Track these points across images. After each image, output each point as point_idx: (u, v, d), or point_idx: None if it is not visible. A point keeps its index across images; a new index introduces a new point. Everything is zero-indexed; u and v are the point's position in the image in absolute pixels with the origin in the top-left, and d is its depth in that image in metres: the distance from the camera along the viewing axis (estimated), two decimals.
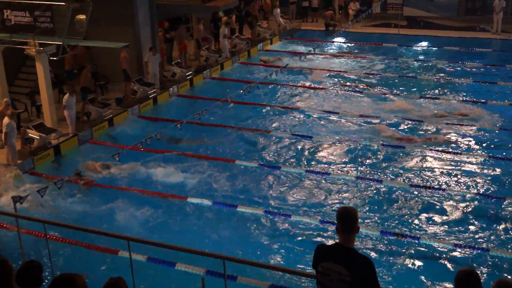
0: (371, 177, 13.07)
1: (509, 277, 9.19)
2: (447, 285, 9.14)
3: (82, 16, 15.24)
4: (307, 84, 20.61)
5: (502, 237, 10.62)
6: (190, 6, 22.79)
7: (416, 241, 10.48)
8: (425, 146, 14.62)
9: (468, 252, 10.10)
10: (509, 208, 11.61)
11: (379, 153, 14.37)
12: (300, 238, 10.80)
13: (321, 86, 20.18)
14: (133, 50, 18.69)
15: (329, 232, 10.67)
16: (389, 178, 13.04)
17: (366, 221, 11.18)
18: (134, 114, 17.49)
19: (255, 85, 17.80)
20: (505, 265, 9.74)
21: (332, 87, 20.06)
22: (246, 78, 20.65)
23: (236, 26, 25.83)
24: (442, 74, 21.40)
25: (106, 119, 16.55)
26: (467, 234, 10.76)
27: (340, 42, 27.08)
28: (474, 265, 9.45)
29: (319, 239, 10.48)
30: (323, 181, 13.01)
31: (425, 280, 9.41)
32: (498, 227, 10.94)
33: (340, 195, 12.40)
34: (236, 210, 11.81)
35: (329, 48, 26.09)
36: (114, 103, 17.69)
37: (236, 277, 8.81)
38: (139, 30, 19.21)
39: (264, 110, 17.87)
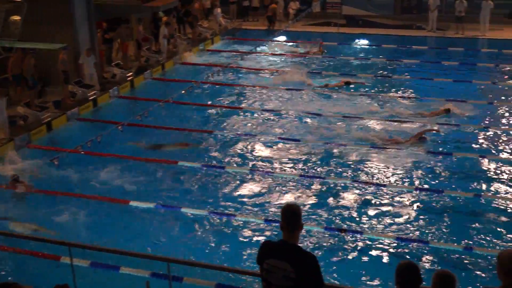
0: (314, 175, 13.19)
1: (449, 268, 9.44)
2: (388, 277, 9.29)
3: (17, 17, 14.82)
4: (250, 83, 20.65)
5: (442, 229, 10.90)
6: (129, 6, 22.49)
7: (359, 236, 10.64)
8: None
9: (409, 245, 10.32)
10: (448, 200, 11.93)
11: (321, 150, 14.51)
12: (245, 237, 10.81)
13: (264, 85, 20.26)
14: (71, 51, 18.28)
15: (274, 230, 10.70)
16: (332, 175, 13.20)
17: (310, 217, 11.27)
18: (74, 117, 17.11)
19: (197, 85, 17.73)
20: (445, 257, 9.98)
21: (276, 86, 20.17)
22: (188, 78, 20.52)
23: (176, 26, 25.63)
24: (381, 71, 21.82)
25: (44, 123, 16.11)
26: (408, 227, 10.99)
27: (281, 41, 27.25)
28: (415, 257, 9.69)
29: (264, 237, 10.51)
30: (268, 179, 13.06)
31: (368, 274, 9.56)
32: (437, 220, 11.22)
33: (284, 193, 12.47)
34: (181, 211, 11.71)
35: (270, 47, 26.20)
36: (52, 106, 17.24)
37: (182, 278, 8.73)
38: (77, 31, 18.81)
39: (206, 110, 17.80)
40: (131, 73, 20.61)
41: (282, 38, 27.51)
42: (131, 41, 22.66)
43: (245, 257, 10.03)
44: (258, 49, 24.70)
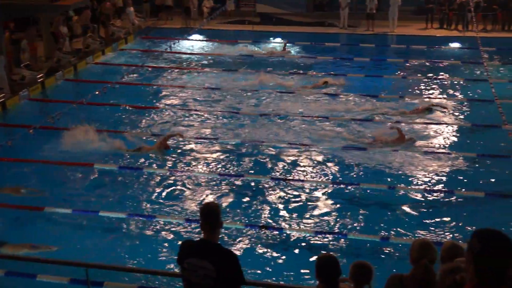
0: (234, 173, 13.20)
1: (366, 259, 9.70)
2: (309, 271, 9.46)
3: None
4: (167, 83, 20.45)
5: (359, 221, 11.18)
6: (38, 6, 21.70)
7: (279, 232, 10.76)
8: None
9: (328, 238, 10.53)
10: (363, 193, 12.26)
11: (241, 149, 14.55)
12: (165, 237, 10.69)
13: (181, 85, 20.13)
14: None
15: (194, 229, 10.64)
16: (252, 172, 13.26)
17: (230, 215, 11.29)
18: None
19: (111, 85, 17.35)
20: (363, 248, 10.25)
21: (194, 85, 20.07)
22: (102, 79, 20.05)
23: (90, 25, 25.03)
24: (296, 69, 22.15)
25: None
26: (326, 220, 11.21)
27: (196, 40, 27.15)
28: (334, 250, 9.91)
29: (184, 237, 10.43)
30: (187, 179, 12.96)
31: (289, 268, 9.68)
32: (355, 212, 11.50)
33: (203, 192, 12.42)
34: (98, 215, 11.42)
35: (185, 45, 26.06)
36: None
37: (102, 282, 8.54)
38: None
39: (121, 111, 17.45)
40: (41, 75, 19.90)
41: (197, 36, 27.42)
42: (40, 41, 21.89)
43: (166, 258, 9.92)
44: (173, 47, 24.48)
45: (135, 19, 28.12)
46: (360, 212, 11.53)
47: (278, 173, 13.24)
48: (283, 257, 10.09)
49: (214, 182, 12.82)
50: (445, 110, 17.20)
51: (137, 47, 25.77)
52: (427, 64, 22.64)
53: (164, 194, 12.37)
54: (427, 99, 18.21)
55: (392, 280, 5.33)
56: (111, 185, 12.80)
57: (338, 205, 11.80)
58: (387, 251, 10.01)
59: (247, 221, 11.11)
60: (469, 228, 10.47)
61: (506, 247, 3.70)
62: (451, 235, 10.44)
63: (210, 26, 28.17)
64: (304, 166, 13.56)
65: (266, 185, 12.62)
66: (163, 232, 10.85)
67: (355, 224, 11.06)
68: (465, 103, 17.98)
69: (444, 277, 4.30)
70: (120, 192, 12.49)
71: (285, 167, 13.54)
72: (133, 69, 20.29)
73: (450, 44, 26.16)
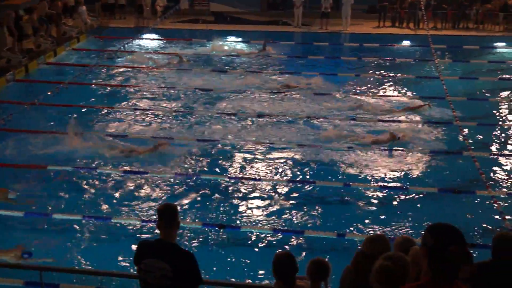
0: (189, 173, 13.13)
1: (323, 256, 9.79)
2: (267, 269, 9.48)
3: None
4: (121, 82, 20.21)
5: (315, 218, 11.27)
6: None
7: (237, 230, 10.75)
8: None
9: (286, 236, 10.58)
10: (319, 191, 12.35)
11: (197, 148, 14.47)
12: (122, 239, 10.55)
13: (135, 84, 19.93)
14: None
15: (151, 230, 10.55)
16: (208, 171, 13.20)
17: (188, 215, 11.23)
18: None
19: (64, 86, 17.06)
20: (319, 245, 10.33)
21: (148, 84, 19.89)
22: (54, 79, 19.68)
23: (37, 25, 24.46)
24: (251, 68, 22.18)
25: None
26: (283, 218, 11.26)
27: (150, 39, 26.92)
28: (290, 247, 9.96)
29: (141, 238, 10.31)
30: (142, 180, 12.83)
31: (247, 267, 9.69)
32: (311, 210, 11.59)
33: (160, 192, 12.32)
34: (52, 217, 11.20)
35: (139, 45, 25.81)
36: None
37: (58, 285, 8.41)
38: None
39: (75, 111, 17.14)
40: None
41: (151, 36, 27.19)
42: None
43: (122, 259, 9.80)
44: (127, 47, 24.22)
45: (87, 18, 27.67)
46: (317, 209, 11.62)
47: (235, 172, 13.22)
48: (241, 255, 10.08)
49: (170, 182, 12.72)
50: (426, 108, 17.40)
51: (90, 47, 25.38)
52: (380, 62, 22.98)
53: (119, 194, 12.22)
54: (416, 99, 18.35)
55: (346, 272, 5.45)
56: (66, 186, 12.56)
57: (294, 203, 11.86)
58: (343, 248, 10.12)
59: (204, 221, 11.06)
60: (423, 223, 10.67)
61: (458, 241, 3.79)
62: (405, 231, 10.62)
63: (163, 26, 27.96)
64: (261, 165, 13.58)
65: (224, 184, 12.59)
66: (118, 233, 10.71)
67: (312, 222, 11.14)
68: (418, 100, 18.29)
69: (376, 262, 4.39)
70: (74, 193, 12.27)
71: (242, 166, 13.53)
72: (85, 68, 19.97)
73: (402, 42, 26.63)
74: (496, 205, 11.11)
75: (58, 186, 12.60)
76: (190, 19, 30.28)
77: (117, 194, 12.22)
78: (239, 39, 26.83)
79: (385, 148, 14.38)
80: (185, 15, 30.66)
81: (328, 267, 5.74)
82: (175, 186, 12.56)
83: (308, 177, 12.98)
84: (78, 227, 10.92)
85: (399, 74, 21.23)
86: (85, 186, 12.55)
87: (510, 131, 15.52)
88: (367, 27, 28.82)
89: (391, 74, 21.27)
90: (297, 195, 12.20)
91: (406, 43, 26.58)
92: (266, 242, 10.43)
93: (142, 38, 26.26)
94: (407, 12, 28.78)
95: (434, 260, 3.80)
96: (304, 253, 9.89)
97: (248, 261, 9.87)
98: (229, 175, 13.00)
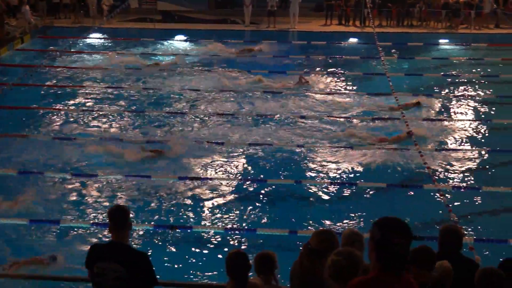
0: (139, 174, 12.98)
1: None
2: (220, 268, 9.49)
3: None
4: (67, 83, 19.85)
5: (267, 216, 11.34)
6: None
7: (189, 231, 10.71)
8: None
9: (238, 234, 10.60)
10: (270, 188, 12.41)
11: (143, 150, 14.31)
12: (72, 242, 10.36)
13: (81, 84, 19.60)
14: None
15: (103, 232, 10.40)
16: (157, 173, 13.09)
17: (140, 217, 11.12)
18: None
19: (8, 87, 16.64)
20: (272, 242, 10.37)
21: (94, 84, 19.60)
22: None
23: None
24: (197, 68, 22.09)
25: None
26: (236, 217, 11.29)
27: (97, 38, 26.51)
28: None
29: (93, 240, 10.16)
30: (92, 183, 12.63)
31: (201, 267, 9.67)
32: (262, 208, 11.66)
33: (111, 195, 12.15)
34: None
35: (85, 44, 25.40)
36: None
37: None
38: None
39: (21, 113, 16.74)
40: None
41: (98, 35, 26.78)
42: None
43: (74, 263, 9.62)
44: (72, 47, 23.80)
45: (31, 18, 27.02)
46: (269, 207, 11.69)
47: (185, 172, 13.13)
48: (195, 255, 10.06)
49: (120, 184, 12.57)
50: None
51: (34, 47, 24.82)
52: (328, 59, 23.21)
53: (68, 198, 12.00)
54: (414, 95, 18.41)
55: (295, 265, 5.53)
56: (9, 190, 12.22)
57: (246, 202, 11.89)
58: (295, 244, 10.18)
59: (156, 222, 10.97)
60: (372, 218, 10.85)
61: (405, 234, 3.88)
62: (356, 225, 10.78)
63: (110, 25, 27.58)
64: (211, 164, 13.56)
65: (174, 185, 12.51)
66: (68, 237, 10.52)
67: (264, 219, 11.20)
68: (365, 96, 18.57)
69: (329, 257, 4.48)
70: (20, 197, 11.95)
71: (192, 166, 13.47)
72: (30, 69, 19.52)
73: (349, 39, 26.98)
74: (442, 198, 11.39)
75: (2, 190, 12.26)
76: (137, 18, 29.93)
77: (66, 197, 12.00)
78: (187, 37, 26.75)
79: (335, 145, 14.56)
80: (132, 14, 30.28)
81: (273, 259, 5.82)
82: (126, 188, 12.41)
83: (259, 175, 13.02)
84: (25, 230, 10.66)
85: (347, 71, 21.51)
86: (32, 189, 12.16)
87: (454, 126, 15.92)
88: (314, 25, 29.11)
89: (338, 72, 21.51)
90: (248, 193, 12.23)
91: (352, 40, 26.95)
92: (218, 241, 10.42)
93: (88, 38, 25.83)
94: (353, 10, 29.19)
95: (381, 253, 3.87)
96: (257, 251, 9.90)
97: (202, 261, 9.85)
98: (180, 176, 12.90)
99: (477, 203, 11.84)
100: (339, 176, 13.02)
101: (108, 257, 5.07)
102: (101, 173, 12.94)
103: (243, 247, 9.96)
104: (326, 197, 12.16)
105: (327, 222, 10.97)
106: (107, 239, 5.83)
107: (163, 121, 16.24)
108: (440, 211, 11.21)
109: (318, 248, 5.15)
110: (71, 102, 17.97)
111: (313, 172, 13.23)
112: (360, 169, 13.33)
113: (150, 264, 5.16)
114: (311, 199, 12.06)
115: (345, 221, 11.05)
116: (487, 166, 13.47)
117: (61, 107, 17.39)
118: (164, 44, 25.60)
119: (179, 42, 26.24)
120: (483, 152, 14.06)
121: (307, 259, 5.18)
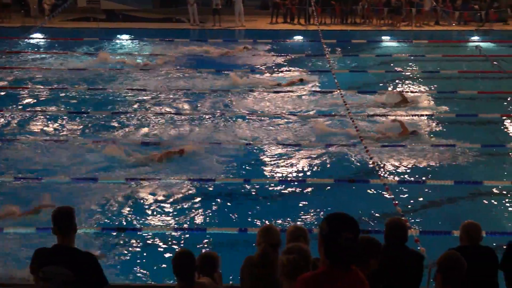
0: (87, 177, 12.75)
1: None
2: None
3: None
4: (8, 84, 19.37)
5: (216, 215, 11.32)
6: None
7: (138, 232, 10.59)
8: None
9: (188, 234, 10.56)
10: (219, 187, 12.40)
11: (89, 149, 14.10)
12: (16, 248, 10.08)
13: (24, 86, 19.15)
14: None
15: (47, 237, 10.16)
16: (102, 175, 12.85)
17: (86, 220, 10.92)
18: None
19: None
20: (222, 241, 10.37)
21: (37, 85, 19.16)
22: None
23: None
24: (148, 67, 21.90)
25: None
26: (186, 217, 11.22)
27: (39, 38, 25.92)
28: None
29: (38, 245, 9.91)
30: (34, 184, 12.34)
31: (150, 268, 9.59)
32: (211, 207, 11.63)
33: (54, 197, 11.87)
34: None
35: (28, 45, 24.81)
36: None
37: None
38: None
39: None
40: None
41: (39, 35, 26.18)
42: None
43: (18, 268, 9.39)
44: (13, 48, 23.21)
45: None
46: (218, 206, 11.67)
47: (133, 173, 12.98)
48: (144, 257, 9.95)
49: (64, 186, 12.30)
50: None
51: None
52: (274, 57, 23.34)
53: (9, 202, 11.67)
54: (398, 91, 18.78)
55: (246, 261, 5.57)
56: None
57: (195, 201, 11.85)
58: (245, 242, 10.21)
59: (103, 225, 10.80)
60: (321, 213, 11.01)
61: (352, 227, 3.95)
62: (305, 221, 10.89)
63: (52, 24, 27.00)
64: (159, 164, 13.43)
65: (120, 186, 12.35)
66: (11, 242, 10.23)
67: (213, 218, 11.18)
68: (311, 94, 18.76)
69: (281, 257, 4.56)
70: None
71: (139, 166, 13.31)
72: None
73: (294, 37, 27.20)
74: (388, 192, 11.63)
75: None
76: (80, 17, 29.38)
77: (7, 201, 11.64)
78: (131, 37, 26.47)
79: (281, 143, 14.66)
80: (75, 13, 29.70)
81: (215, 260, 5.86)
82: (70, 190, 12.16)
83: (207, 174, 12.98)
84: None
85: (293, 69, 21.68)
86: None
87: (395, 122, 16.18)
88: (261, 23, 29.23)
89: (285, 69, 21.65)
90: (197, 193, 12.18)
91: (298, 38, 27.18)
92: (167, 242, 10.34)
93: (30, 38, 25.23)
94: (298, 8, 29.44)
95: (329, 247, 3.93)
96: (206, 249, 9.90)
97: (151, 262, 9.75)
98: (127, 177, 12.74)
99: (421, 196, 12.13)
100: (287, 174, 13.11)
101: (54, 260, 4.98)
102: (45, 174, 12.66)
103: (193, 246, 9.90)
104: (275, 194, 12.22)
105: (277, 220, 11.02)
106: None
107: (105, 121, 16.01)
108: (386, 205, 11.43)
109: (259, 241, 5.30)
110: (13, 103, 17.51)
111: (261, 170, 13.28)
112: (308, 166, 13.45)
113: (98, 265, 5.10)
114: (260, 197, 12.10)
115: (294, 218, 11.12)
116: (430, 160, 13.80)
117: (3, 108, 16.95)
118: (109, 44, 25.22)
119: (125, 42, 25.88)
120: (425, 146, 14.40)
121: (261, 255, 5.24)
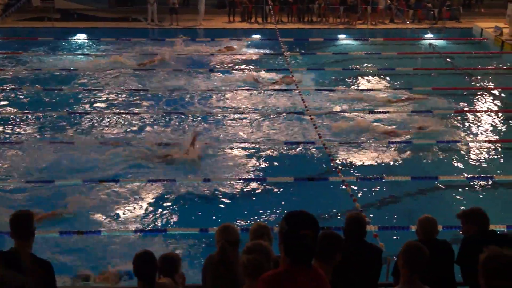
0: (44, 179, 12.52)
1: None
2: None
3: None
4: None
5: (177, 216, 11.30)
6: None
7: (97, 234, 10.48)
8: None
9: (148, 235, 10.49)
10: (179, 187, 12.35)
11: (43, 151, 13.87)
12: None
13: None
14: None
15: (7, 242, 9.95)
16: (63, 176, 12.68)
17: (46, 223, 10.72)
18: None
19: None
20: (183, 241, 10.36)
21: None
22: None
23: None
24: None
25: None
26: (146, 218, 11.18)
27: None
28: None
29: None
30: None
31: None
32: (173, 207, 11.62)
33: (11, 200, 11.65)
34: None
35: None
36: None
37: None
38: None
39: None
40: None
41: None
42: None
43: None
44: None
45: None
46: (178, 206, 11.65)
47: (91, 175, 12.81)
48: (105, 259, 9.85)
49: (22, 190, 12.09)
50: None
51: None
52: (233, 56, 23.31)
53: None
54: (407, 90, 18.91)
55: (207, 261, 5.65)
56: None
57: (155, 202, 11.79)
58: (206, 242, 10.21)
59: (62, 228, 10.64)
60: (281, 211, 11.06)
61: (311, 225, 3.99)
62: (266, 220, 10.93)
63: (5, 24, 26.42)
64: (119, 166, 13.31)
65: (80, 189, 12.18)
66: None
67: (173, 219, 11.15)
68: (270, 92, 18.82)
69: (242, 257, 4.59)
70: None
71: (96, 168, 13.15)
72: None
73: (252, 36, 27.23)
74: (347, 189, 11.77)
75: None
76: (34, 17, 28.81)
77: None
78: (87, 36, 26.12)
79: (240, 140, 14.68)
80: (28, 13, 29.11)
81: (175, 260, 5.87)
82: (31, 193, 11.96)
83: (168, 175, 12.90)
84: None
85: (251, 67, 21.70)
86: None
87: (355, 119, 16.40)
88: (218, 22, 29.17)
89: (243, 68, 21.64)
90: (157, 194, 12.11)
91: (256, 37, 27.22)
92: (128, 243, 10.25)
93: None
94: (255, 7, 29.48)
95: (288, 245, 3.95)
96: (167, 250, 9.83)
97: (112, 265, 9.65)
98: (85, 179, 12.56)
99: (380, 192, 12.33)
100: (247, 173, 13.14)
101: (9, 266, 4.90)
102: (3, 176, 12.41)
103: (154, 248, 9.83)
104: (235, 194, 12.24)
105: (238, 219, 11.05)
106: None
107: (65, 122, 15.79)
108: (346, 201, 11.58)
109: (218, 240, 5.34)
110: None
111: (221, 170, 13.27)
112: (268, 164, 13.51)
113: (53, 272, 5.05)
114: (220, 196, 12.11)
115: (255, 217, 11.17)
116: (387, 156, 14.02)
117: None
118: (64, 44, 24.78)
119: (81, 41, 25.47)
120: (382, 143, 14.62)
121: (219, 253, 5.26)
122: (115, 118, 16.24)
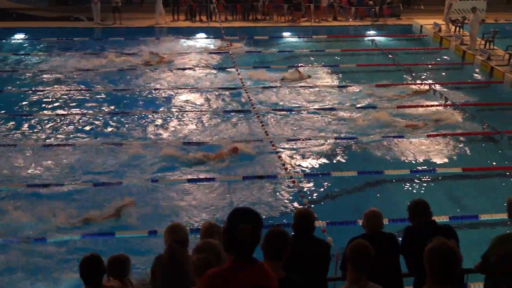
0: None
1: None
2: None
3: None
4: None
5: (125, 219, 11.15)
6: None
7: (42, 241, 10.27)
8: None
9: (95, 239, 10.35)
10: (126, 190, 12.22)
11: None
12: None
13: None
14: None
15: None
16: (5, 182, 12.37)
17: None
18: None
19: None
20: (133, 244, 10.26)
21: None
22: None
23: None
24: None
25: None
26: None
27: None
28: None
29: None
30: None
31: (60, 273, 9.35)
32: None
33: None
34: None
35: None
36: None
37: None
38: None
39: None
40: None
41: None
42: None
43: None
44: None
45: None
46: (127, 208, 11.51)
47: (35, 179, 12.53)
48: (52, 265, 9.67)
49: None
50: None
51: None
52: (177, 56, 23.10)
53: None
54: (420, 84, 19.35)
55: (155, 261, 5.69)
56: None
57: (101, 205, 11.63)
58: (154, 244, 10.11)
59: (7, 234, 10.38)
60: (230, 210, 11.06)
61: (251, 220, 4.01)
62: (214, 219, 10.92)
63: None
64: (56, 169, 13.08)
65: (21, 193, 11.91)
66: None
67: (123, 222, 11.00)
68: (217, 91, 18.79)
69: (192, 256, 4.61)
70: None
71: (38, 172, 12.89)
72: None
73: (197, 35, 27.05)
74: (295, 185, 11.88)
75: None
76: None
77: None
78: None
79: (190, 141, 14.63)
80: None
81: (125, 262, 5.84)
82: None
83: (112, 178, 12.73)
84: None
85: (196, 66, 21.61)
86: None
87: (300, 116, 16.55)
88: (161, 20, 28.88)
89: (188, 67, 21.51)
90: (102, 196, 11.93)
91: (200, 35, 27.06)
92: (78, 247, 10.08)
93: None
94: (199, 5, 29.32)
95: (228, 241, 3.97)
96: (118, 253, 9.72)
97: (61, 269, 9.50)
98: (28, 183, 12.28)
99: (327, 188, 12.50)
100: (196, 173, 13.09)
101: None
102: None
103: (102, 252, 9.68)
104: (183, 194, 12.20)
105: (187, 219, 11.02)
106: None
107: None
108: (294, 197, 11.70)
109: (166, 239, 5.34)
110: None
111: (170, 170, 13.18)
112: (216, 164, 13.45)
113: None
114: (169, 197, 12.04)
115: (204, 216, 11.17)
116: (333, 153, 14.22)
117: None
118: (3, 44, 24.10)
119: (20, 42, 24.83)
120: (328, 140, 14.80)
121: (167, 251, 5.26)
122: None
